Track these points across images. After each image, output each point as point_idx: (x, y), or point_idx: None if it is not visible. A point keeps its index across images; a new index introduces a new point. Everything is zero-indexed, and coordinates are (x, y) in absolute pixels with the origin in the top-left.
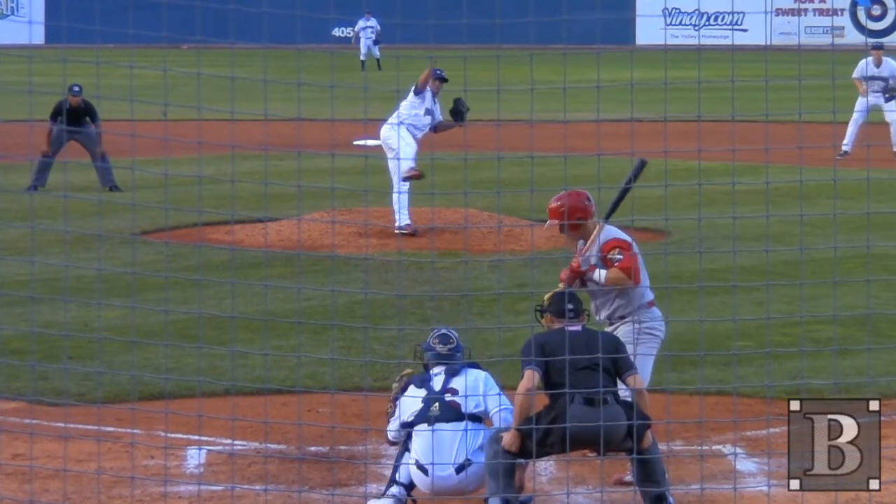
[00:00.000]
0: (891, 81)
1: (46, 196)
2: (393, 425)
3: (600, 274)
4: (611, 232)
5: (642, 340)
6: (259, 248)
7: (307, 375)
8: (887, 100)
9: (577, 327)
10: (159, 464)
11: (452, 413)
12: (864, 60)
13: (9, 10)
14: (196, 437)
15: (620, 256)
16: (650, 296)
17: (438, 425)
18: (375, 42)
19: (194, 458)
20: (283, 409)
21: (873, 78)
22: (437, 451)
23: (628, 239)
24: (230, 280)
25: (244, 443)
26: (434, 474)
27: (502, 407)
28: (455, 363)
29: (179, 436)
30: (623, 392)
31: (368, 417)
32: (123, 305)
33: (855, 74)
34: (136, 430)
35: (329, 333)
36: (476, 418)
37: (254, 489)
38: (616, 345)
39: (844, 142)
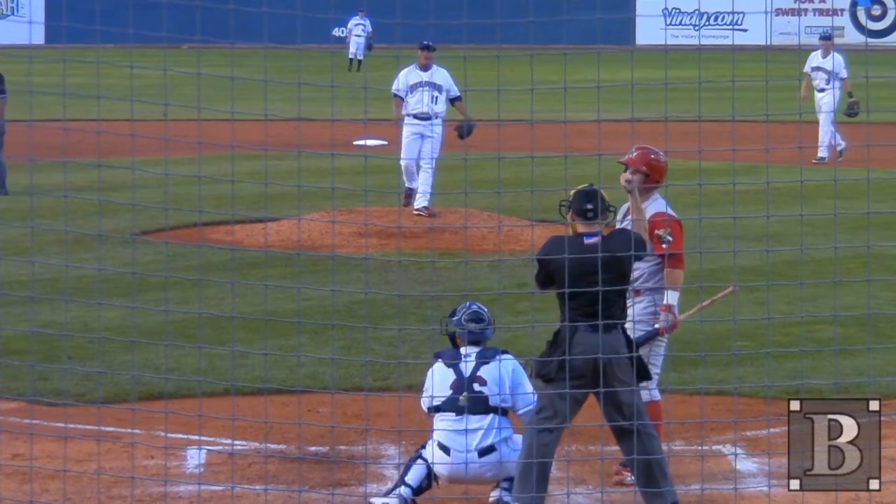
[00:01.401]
0: (834, 73)
1: (46, 196)
2: (426, 394)
3: (674, 296)
4: (660, 202)
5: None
6: (259, 248)
7: (307, 375)
8: (850, 115)
9: (595, 238)
10: (159, 464)
11: (480, 405)
12: (814, 53)
13: (9, 10)
14: (196, 437)
15: (671, 238)
16: None
17: (466, 416)
18: (368, 45)
19: (194, 458)
20: (283, 409)
21: (818, 69)
22: (462, 438)
23: (676, 216)
24: (230, 280)
25: (244, 443)
26: (456, 456)
27: (528, 407)
28: (487, 351)
29: (179, 436)
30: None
31: (368, 417)
32: (123, 305)
33: (805, 68)
34: (136, 430)
35: (329, 333)
36: (503, 411)
37: (254, 489)
38: (630, 245)
39: (837, 145)
